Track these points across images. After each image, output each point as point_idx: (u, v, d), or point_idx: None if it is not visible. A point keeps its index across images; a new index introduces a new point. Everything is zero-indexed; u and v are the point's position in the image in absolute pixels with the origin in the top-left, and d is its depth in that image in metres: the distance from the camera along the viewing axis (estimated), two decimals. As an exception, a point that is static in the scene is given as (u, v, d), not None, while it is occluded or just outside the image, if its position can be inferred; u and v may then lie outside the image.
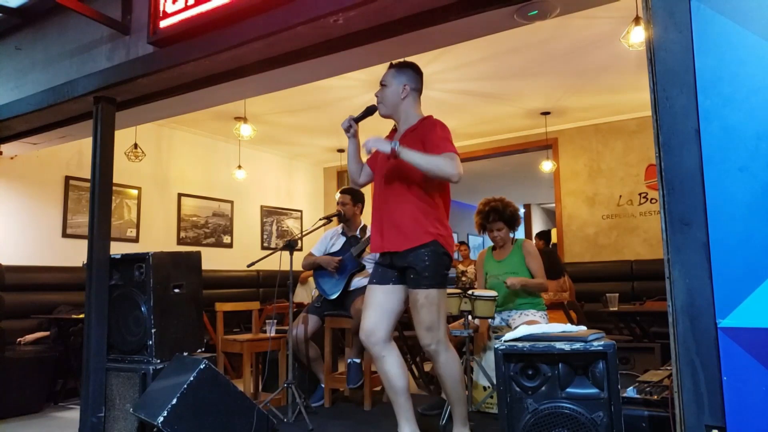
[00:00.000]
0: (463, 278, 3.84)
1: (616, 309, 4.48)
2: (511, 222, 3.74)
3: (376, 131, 2.83)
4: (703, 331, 1.59)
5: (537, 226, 13.08)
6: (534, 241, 7.12)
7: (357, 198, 4.21)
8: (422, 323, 2.57)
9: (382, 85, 2.75)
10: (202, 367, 2.75)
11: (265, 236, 7.57)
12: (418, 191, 2.61)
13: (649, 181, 6.21)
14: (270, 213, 7.68)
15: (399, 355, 2.68)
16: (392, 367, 2.63)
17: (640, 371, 2.95)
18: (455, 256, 6.83)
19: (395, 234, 2.62)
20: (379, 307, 2.67)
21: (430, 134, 2.59)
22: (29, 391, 4.16)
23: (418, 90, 2.78)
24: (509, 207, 3.75)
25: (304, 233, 4.27)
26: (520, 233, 12.73)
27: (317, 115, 6.20)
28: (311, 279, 4.85)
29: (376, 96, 2.79)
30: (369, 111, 2.81)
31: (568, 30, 4.26)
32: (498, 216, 3.72)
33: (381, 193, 2.72)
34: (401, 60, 2.82)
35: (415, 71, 2.78)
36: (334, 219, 4.12)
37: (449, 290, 3.54)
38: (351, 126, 2.76)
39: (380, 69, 3.08)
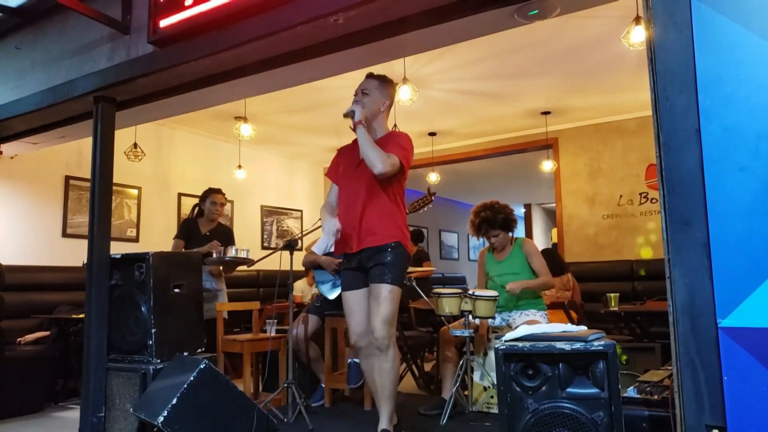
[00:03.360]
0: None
1: (616, 309, 4.48)
2: (506, 226, 3.72)
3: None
4: (704, 330, 1.58)
5: (537, 226, 13.08)
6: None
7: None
8: (381, 315, 2.72)
9: (365, 93, 2.93)
10: (202, 367, 2.75)
11: (265, 236, 7.57)
12: (387, 195, 2.85)
13: (649, 180, 6.20)
14: (270, 213, 7.68)
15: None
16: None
17: (640, 371, 2.94)
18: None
19: (369, 233, 2.81)
20: (364, 309, 2.86)
21: (394, 139, 2.89)
22: (29, 391, 4.16)
23: (391, 106, 3.06)
24: (500, 214, 3.69)
25: (304, 233, 4.27)
26: (520, 232, 12.74)
27: (317, 115, 6.20)
28: None
29: (358, 101, 2.93)
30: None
31: (568, 30, 4.26)
32: (490, 226, 3.70)
33: (352, 196, 2.89)
34: (382, 74, 3.01)
35: (394, 89, 3.06)
36: None
37: (450, 290, 3.55)
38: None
39: (380, 69, 3.09)
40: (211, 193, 4.57)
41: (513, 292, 3.52)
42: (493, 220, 3.67)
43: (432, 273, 3.90)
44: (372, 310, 2.77)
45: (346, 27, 2.65)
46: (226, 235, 4.56)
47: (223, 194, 4.64)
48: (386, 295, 2.74)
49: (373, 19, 2.62)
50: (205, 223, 4.54)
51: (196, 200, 4.69)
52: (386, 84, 2.99)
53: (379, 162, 2.70)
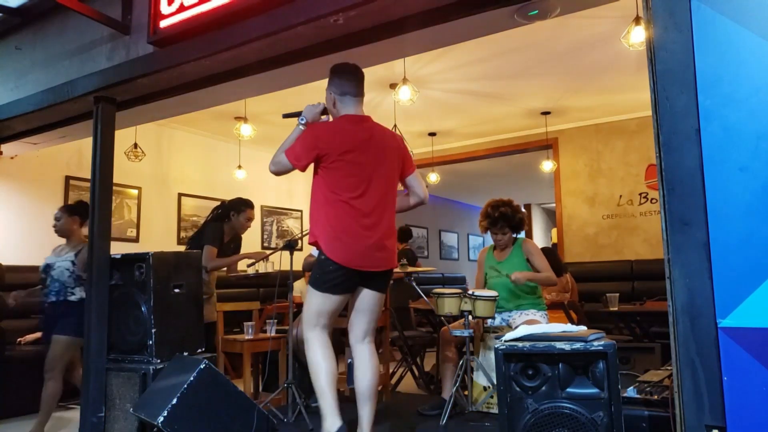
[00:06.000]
0: None
1: (616, 309, 4.48)
2: (518, 227, 3.74)
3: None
4: (704, 331, 1.58)
5: (537, 226, 13.08)
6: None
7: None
8: None
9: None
10: (202, 367, 2.75)
11: (265, 236, 7.57)
12: (314, 193, 2.72)
13: (649, 181, 6.21)
14: (270, 213, 7.67)
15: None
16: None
17: (640, 371, 2.94)
18: None
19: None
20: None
21: None
22: (29, 391, 4.15)
23: (347, 92, 2.70)
24: (518, 213, 3.73)
25: (304, 233, 4.26)
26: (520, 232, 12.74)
27: (317, 115, 6.19)
28: None
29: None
30: (298, 114, 2.84)
31: (568, 30, 4.26)
32: (507, 223, 3.71)
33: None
34: (335, 63, 2.77)
35: (337, 75, 2.71)
36: None
37: (450, 290, 3.54)
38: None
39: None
40: (248, 208, 4.40)
41: (518, 281, 3.52)
42: (512, 218, 3.69)
43: (403, 275, 3.91)
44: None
45: (346, 27, 2.65)
46: (239, 240, 4.53)
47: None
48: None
49: (373, 19, 2.62)
50: (228, 231, 4.38)
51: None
52: (330, 75, 2.73)
53: (270, 162, 2.71)
